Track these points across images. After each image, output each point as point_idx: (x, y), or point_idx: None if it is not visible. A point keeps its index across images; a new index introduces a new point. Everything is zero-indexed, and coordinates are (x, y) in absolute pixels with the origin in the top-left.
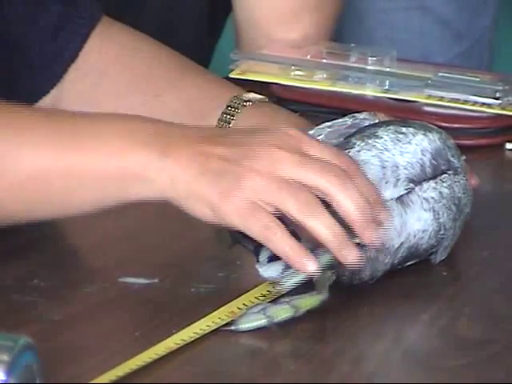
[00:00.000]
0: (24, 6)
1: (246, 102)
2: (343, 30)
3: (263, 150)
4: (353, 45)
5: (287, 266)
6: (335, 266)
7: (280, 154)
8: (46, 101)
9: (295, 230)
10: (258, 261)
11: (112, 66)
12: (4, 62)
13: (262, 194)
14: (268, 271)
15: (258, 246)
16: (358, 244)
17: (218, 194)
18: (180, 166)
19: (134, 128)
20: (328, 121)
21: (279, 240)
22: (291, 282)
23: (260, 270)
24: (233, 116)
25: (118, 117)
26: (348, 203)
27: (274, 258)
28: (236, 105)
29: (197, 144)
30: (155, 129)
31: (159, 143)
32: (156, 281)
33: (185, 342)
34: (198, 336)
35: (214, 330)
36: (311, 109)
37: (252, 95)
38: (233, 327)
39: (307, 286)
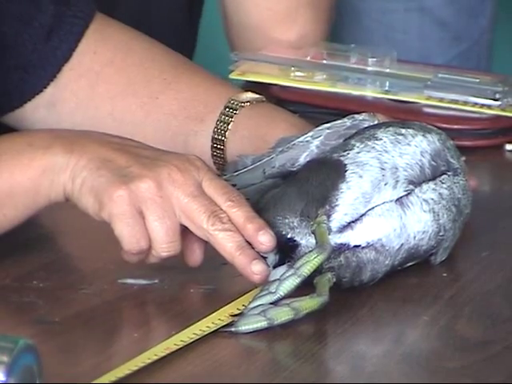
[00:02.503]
0: (19, 6)
1: (244, 102)
2: (342, 30)
3: (163, 166)
4: (353, 46)
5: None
6: (335, 268)
7: (176, 176)
8: (40, 100)
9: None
10: None
11: (107, 68)
12: None
13: (142, 203)
14: (271, 276)
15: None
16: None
17: (108, 190)
18: (80, 163)
19: (32, 139)
20: (327, 122)
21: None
22: (287, 285)
23: None
24: (231, 117)
25: (16, 135)
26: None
27: (277, 264)
28: (234, 106)
29: (101, 148)
30: (55, 133)
31: (60, 144)
32: (156, 282)
33: (185, 343)
34: (198, 337)
35: (214, 331)
36: (311, 110)
37: (250, 95)
38: (233, 329)
39: (308, 288)
